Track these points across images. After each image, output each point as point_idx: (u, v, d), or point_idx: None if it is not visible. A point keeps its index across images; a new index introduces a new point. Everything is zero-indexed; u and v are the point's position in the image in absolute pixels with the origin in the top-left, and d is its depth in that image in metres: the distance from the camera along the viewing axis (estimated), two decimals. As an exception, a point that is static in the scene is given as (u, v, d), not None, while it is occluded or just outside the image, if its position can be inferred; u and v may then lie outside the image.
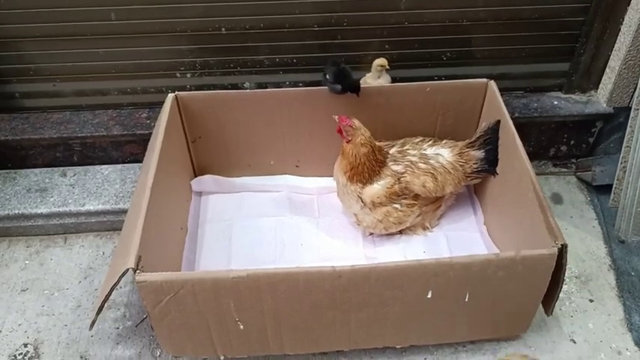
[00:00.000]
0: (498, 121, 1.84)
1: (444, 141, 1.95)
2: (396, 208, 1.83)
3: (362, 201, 1.82)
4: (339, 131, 1.80)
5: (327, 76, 1.86)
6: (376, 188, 1.81)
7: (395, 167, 1.83)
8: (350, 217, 1.98)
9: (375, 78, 2.00)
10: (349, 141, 1.79)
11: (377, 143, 1.85)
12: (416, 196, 1.85)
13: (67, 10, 1.94)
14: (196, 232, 1.97)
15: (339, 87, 1.86)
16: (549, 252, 1.42)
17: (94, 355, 1.73)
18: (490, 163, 1.88)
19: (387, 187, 1.81)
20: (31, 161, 2.22)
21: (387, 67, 1.96)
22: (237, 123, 1.98)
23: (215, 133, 2.01)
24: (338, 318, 1.52)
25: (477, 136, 1.90)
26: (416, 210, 1.86)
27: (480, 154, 1.88)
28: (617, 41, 2.04)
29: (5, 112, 2.20)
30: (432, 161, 1.85)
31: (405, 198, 1.83)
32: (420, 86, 1.94)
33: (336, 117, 1.79)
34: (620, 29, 2.02)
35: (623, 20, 2.00)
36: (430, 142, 1.92)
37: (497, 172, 1.87)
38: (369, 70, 2.03)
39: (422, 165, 1.84)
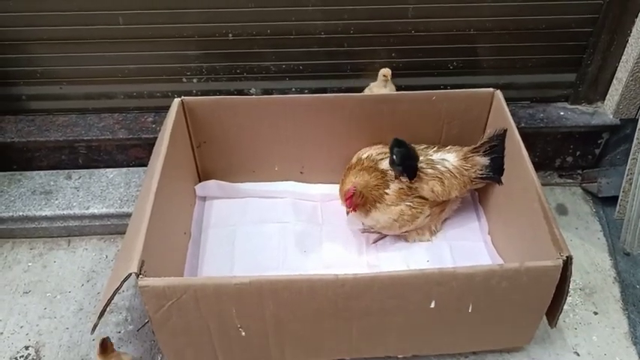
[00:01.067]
0: (505, 129, 1.84)
1: (448, 147, 1.95)
2: (409, 206, 1.83)
3: (372, 211, 1.82)
4: (354, 208, 1.80)
5: (394, 157, 1.80)
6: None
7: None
8: (354, 225, 1.98)
9: (380, 87, 2.02)
10: (363, 196, 1.79)
11: (373, 150, 1.90)
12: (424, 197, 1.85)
13: (75, 13, 1.95)
14: (200, 237, 1.97)
15: (400, 168, 1.82)
16: (554, 264, 1.41)
17: (95, 358, 1.72)
18: (495, 172, 1.87)
19: (395, 192, 1.81)
20: (36, 163, 2.22)
21: (388, 77, 1.99)
22: (242, 128, 1.99)
23: (220, 138, 2.01)
24: (340, 326, 1.51)
25: (483, 141, 1.90)
26: (426, 210, 1.85)
27: (485, 160, 1.88)
28: (625, 53, 2.04)
29: (11, 114, 2.21)
30: (438, 166, 1.85)
31: (415, 197, 1.83)
32: (426, 95, 1.93)
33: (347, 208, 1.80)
34: (627, 41, 2.01)
35: (630, 32, 1.99)
36: (435, 149, 1.92)
37: (503, 181, 1.86)
38: (374, 78, 2.03)
39: (429, 170, 1.84)
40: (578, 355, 1.72)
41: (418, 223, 1.87)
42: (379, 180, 1.82)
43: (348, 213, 1.82)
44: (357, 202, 1.78)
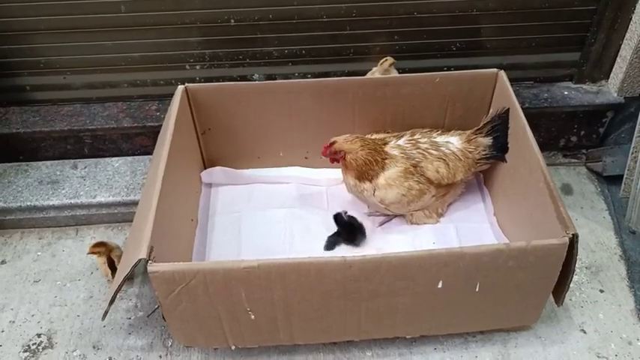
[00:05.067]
0: (507, 109, 1.83)
1: (451, 131, 1.95)
2: (417, 182, 1.83)
3: (378, 187, 1.83)
4: (332, 160, 1.84)
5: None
6: (390, 171, 1.81)
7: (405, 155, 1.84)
8: (360, 209, 1.99)
9: (382, 74, 2.01)
10: (344, 157, 1.81)
11: (377, 135, 1.91)
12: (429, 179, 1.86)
13: (77, 2, 1.95)
14: (206, 224, 1.98)
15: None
16: (560, 242, 1.42)
17: (106, 344, 1.74)
18: (498, 150, 1.87)
19: (401, 170, 1.81)
20: (42, 153, 2.23)
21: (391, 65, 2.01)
22: (246, 115, 1.99)
23: (225, 124, 2.01)
24: (348, 308, 1.52)
25: (485, 122, 1.90)
26: (432, 189, 1.86)
27: (487, 141, 1.88)
28: (629, 30, 2.02)
29: (16, 105, 2.22)
30: (442, 148, 1.86)
31: (420, 176, 1.84)
32: (430, 77, 1.93)
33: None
34: (631, 18, 2.00)
35: (634, 9, 1.98)
36: (439, 132, 1.92)
37: (507, 160, 1.87)
38: (377, 61, 2.03)
39: (434, 152, 1.85)
40: (585, 332, 1.74)
41: (425, 201, 1.87)
42: (378, 147, 1.84)
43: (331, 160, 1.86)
44: (334, 156, 1.82)
